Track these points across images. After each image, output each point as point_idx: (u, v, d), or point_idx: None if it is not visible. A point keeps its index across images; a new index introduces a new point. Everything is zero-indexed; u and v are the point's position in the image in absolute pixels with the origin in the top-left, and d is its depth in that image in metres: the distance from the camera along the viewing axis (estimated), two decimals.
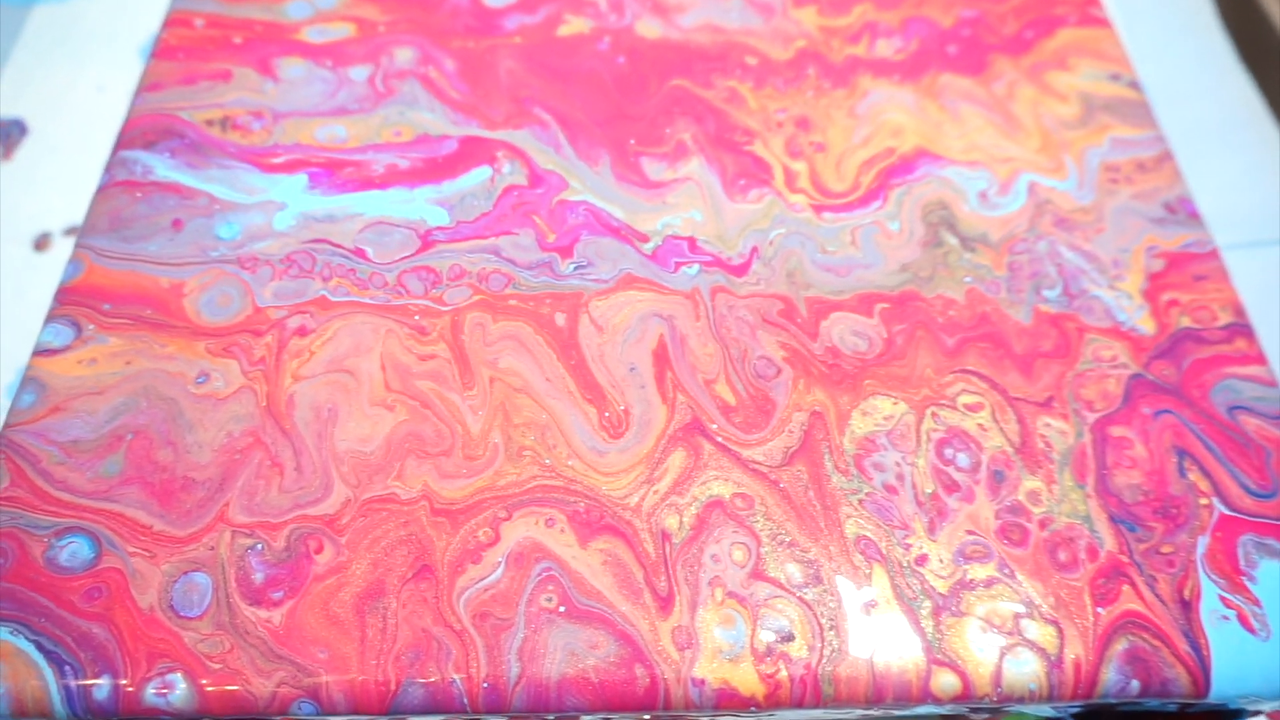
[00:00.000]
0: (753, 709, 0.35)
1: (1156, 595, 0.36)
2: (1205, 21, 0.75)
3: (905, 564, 0.36)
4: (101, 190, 0.45)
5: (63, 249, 0.62)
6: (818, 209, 0.46)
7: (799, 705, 0.35)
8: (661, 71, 0.51)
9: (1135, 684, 0.35)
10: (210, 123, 0.48)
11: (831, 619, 0.35)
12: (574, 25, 0.53)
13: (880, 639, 0.35)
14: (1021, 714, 0.39)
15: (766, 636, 0.35)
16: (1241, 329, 0.43)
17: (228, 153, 0.47)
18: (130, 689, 0.33)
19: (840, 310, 0.43)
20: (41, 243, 0.62)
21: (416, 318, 0.42)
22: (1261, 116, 0.71)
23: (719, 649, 0.35)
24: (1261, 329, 0.47)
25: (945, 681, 0.35)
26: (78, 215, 0.45)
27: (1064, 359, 0.42)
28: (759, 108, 0.50)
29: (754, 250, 0.45)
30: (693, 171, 0.47)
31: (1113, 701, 0.35)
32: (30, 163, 0.66)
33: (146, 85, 0.49)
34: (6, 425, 0.38)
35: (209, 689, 0.33)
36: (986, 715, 0.40)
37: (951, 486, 0.38)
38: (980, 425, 0.40)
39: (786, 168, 0.47)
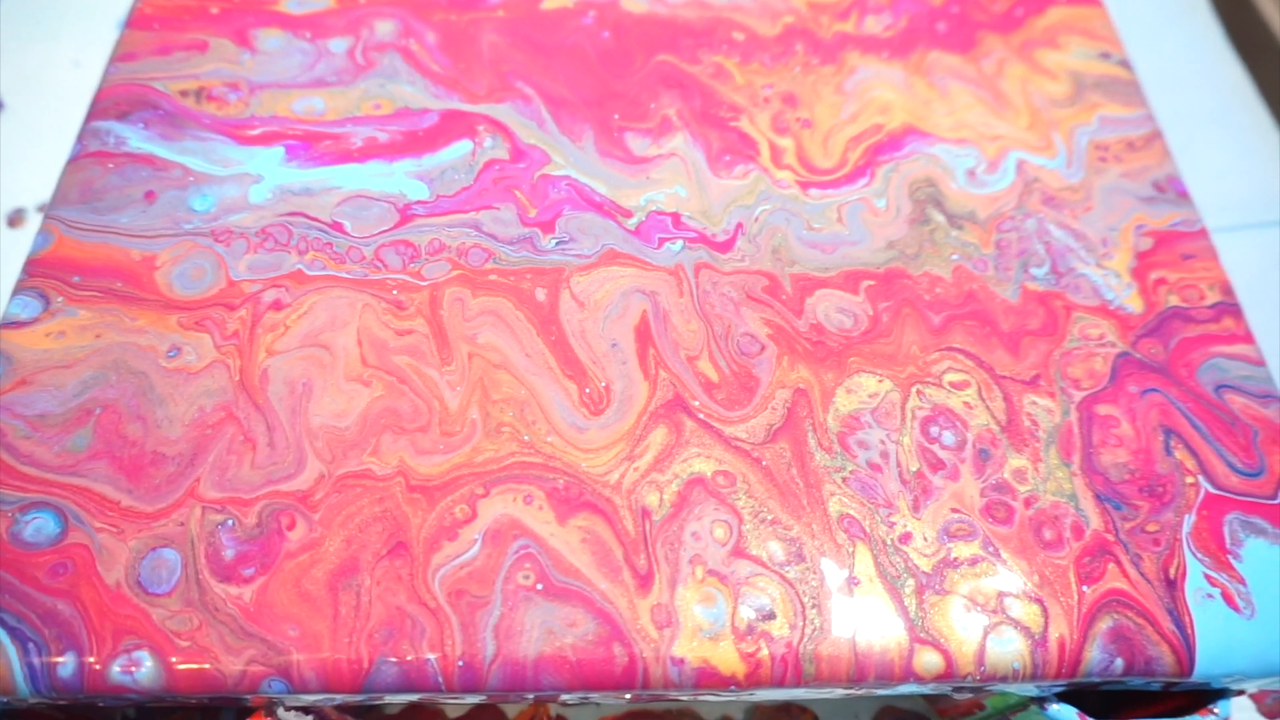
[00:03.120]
0: (733, 688, 0.34)
1: (1141, 574, 0.36)
2: (1197, 6, 0.75)
3: (889, 542, 0.36)
4: (73, 161, 0.44)
5: (37, 225, 0.61)
6: (804, 185, 0.45)
7: (780, 684, 0.34)
8: (647, 46, 0.50)
9: (1119, 662, 0.34)
10: (185, 93, 0.47)
11: (813, 597, 0.35)
12: None
13: (863, 617, 0.34)
14: (1005, 694, 0.38)
15: (747, 615, 0.34)
16: (1229, 308, 0.42)
17: (203, 124, 0.46)
18: (96, 666, 0.32)
19: (826, 287, 0.42)
20: (15, 219, 0.61)
21: (394, 292, 0.41)
22: (1253, 101, 0.70)
23: (699, 627, 0.34)
24: (1253, 311, 0.46)
25: (928, 660, 0.34)
26: (52, 191, 0.44)
27: (1051, 337, 0.41)
28: (745, 83, 0.49)
29: (739, 227, 0.44)
30: (677, 147, 0.46)
31: (1097, 680, 0.35)
32: (5, 139, 0.65)
33: (120, 55, 0.48)
34: None
35: (177, 667, 0.33)
36: (970, 695, 0.40)
37: (936, 464, 0.38)
38: (966, 403, 0.39)
39: (773, 144, 0.47)
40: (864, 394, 0.39)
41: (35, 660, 0.32)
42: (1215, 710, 0.37)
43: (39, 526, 0.35)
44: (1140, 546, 0.36)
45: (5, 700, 0.33)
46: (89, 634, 0.33)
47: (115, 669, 0.32)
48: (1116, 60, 0.51)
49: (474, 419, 0.38)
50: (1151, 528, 0.37)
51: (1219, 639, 0.35)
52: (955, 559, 0.36)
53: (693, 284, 0.42)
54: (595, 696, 0.35)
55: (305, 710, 0.39)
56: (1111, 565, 0.36)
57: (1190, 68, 0.72)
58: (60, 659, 0.32)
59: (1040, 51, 0.51)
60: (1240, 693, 0.38)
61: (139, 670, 0.32)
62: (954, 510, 0.37)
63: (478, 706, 0.48)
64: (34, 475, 0.36)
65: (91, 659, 0.33)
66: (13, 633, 0.33)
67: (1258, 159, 0.68)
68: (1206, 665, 0.34)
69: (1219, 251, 0.45)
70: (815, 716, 0.47)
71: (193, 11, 0.50)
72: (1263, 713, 0.49)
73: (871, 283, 0.42)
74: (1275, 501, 0.37)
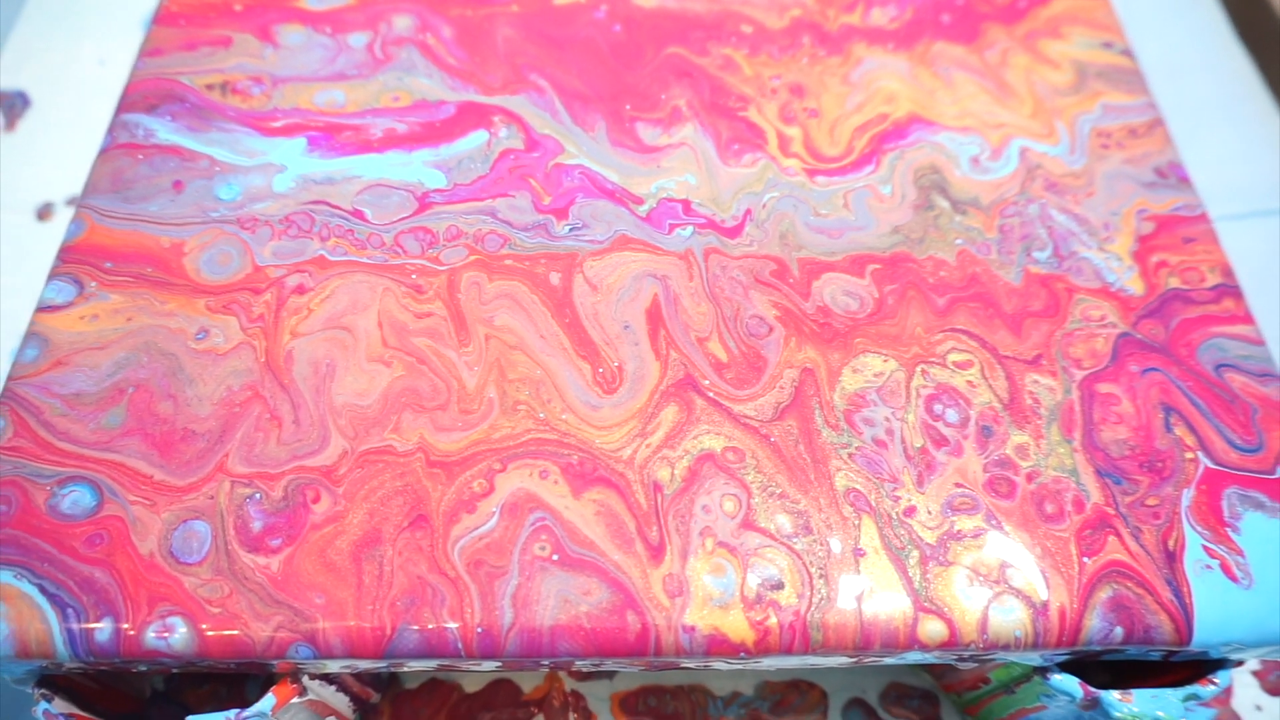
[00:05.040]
0: (742, 655, 0.35)
1: (1141, 546, 0.36)
2: None
3: (894, 515, 0.37)
4: (104, 152, 0.46)
5: (65, 218, 0.62)
6: (811, 173, 0.47)
7: (788, 651, 0.35)
8: (657, 39, 0.52)
9: (1119, 631, 0.35)
10: (211, 87, 0.48)
11: (820, 568, 0.36)
12: None
13: (868, 587, 0.36)
14: (1009, 665, 0.39)
15: (756, 584, 0.35)
16: (1229, 290, 0.43)
17: (228, 116, 0.47)
18: (131, 632, 0.34)
19: (832, 271, 0.43)
20: (44, 212, 0.63)
21: (413, 277, 0.42)
22: (1258, 91, 0.71)
23: (709, 596, 0.35)
24: (1258, 298, 0.47)
25: (932, 629, 0.35)
26: (79, 185, 0.45)
27: (1053, 318, 0.42)
28: (754, 75, 0.50)
29: (747, 213, 0.45)
30: (687, 136, 0.48)
31: (1097, 649, 0.36)
32: (33, 134, 0.66)
33: (148, 50, 0.49)
34: (10, 378, 0.39)
35: (208, 633, 0.34)
36: (974, 666, 0.41)
37: (940, 441, 0.39)
38: (969, 382, 0.40)
39: (780, 133, 0.48)
40: (869, 373, 0.40)
41: (74, 626, 0.34)
42: (1215, 680, 0.38)
43: (76, 499, 0.36)
44: (1140, 520, 0.37)
45: (44, 664, 0.35)
46: (125, 601, 0.34)
47: (150, 634, 0.34)
48: (1119, 49, 0.52)
49: (491, 398, 0.39)
50: (1151, 502, 0.37)
51: (1217, 609, 0.35)
52: (959, 531, 0.37)
53: (703, 268, 0.43)
54: (609, 664, 0.37)
55: (329, 680, 0.40)
56: (1112, 538, 0.37)
57: (1195, 56, 0.72)
58: (98, 625, 0.34)
59: (1043, 41, 0.52)
60: (1240, 663, 0.39)
61: (172, 636, 0.34)
62: (957, 485, 0.38)
63: (493, 682, 0.49)
64: (70, 451, 0.37)
65: (127, 625, 0.34)
66: (52, 599, 0.34)
67: (1263, 147, 0.68)
68: (1205, 634, 0.35)
69: (1225, 239, 0.46)
70: (823, 691, 0.48)
71: (217, 8, 0.51)
72: (1267, 689, 0.49)
73: (877, 266, 0.43)
74: (1274, 476, 0.38)
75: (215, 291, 0.42)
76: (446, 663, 0.36)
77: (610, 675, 0.49)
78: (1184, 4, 0.75)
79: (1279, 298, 0.60)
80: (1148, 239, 0.45)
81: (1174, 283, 0.43)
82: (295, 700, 0.37)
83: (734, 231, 0.44)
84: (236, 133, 0.47)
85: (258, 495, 0.37)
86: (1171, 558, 0.36)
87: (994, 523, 0.37)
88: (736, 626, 0.35)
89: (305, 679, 0.38)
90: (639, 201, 0.45)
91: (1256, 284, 0.51)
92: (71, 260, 0.42)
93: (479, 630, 0.35)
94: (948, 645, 0.35)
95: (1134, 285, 0.43)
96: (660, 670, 0.46)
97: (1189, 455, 0.38)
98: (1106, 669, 0.42)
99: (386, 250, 0.43)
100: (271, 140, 0.46)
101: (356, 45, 0.50)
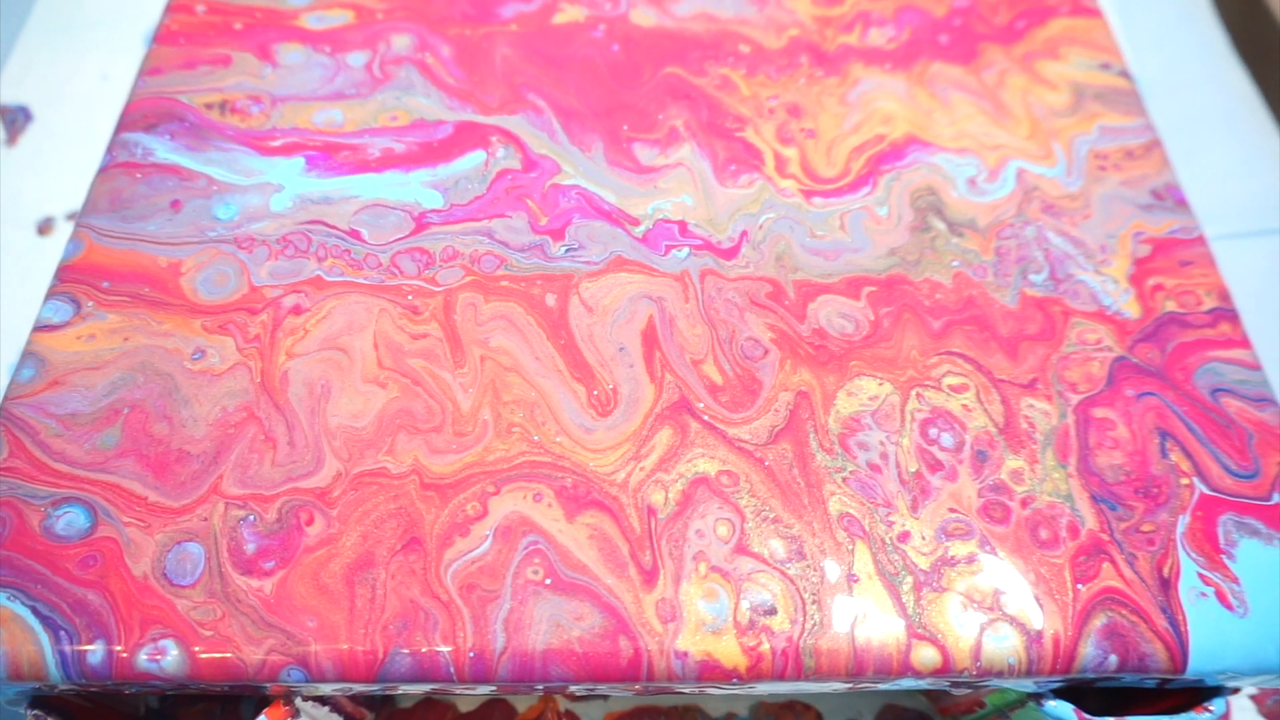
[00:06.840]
0: (735, 680, 0.35)
1: (1136, 573, 0.36)
2: (1202, 14, 0.76)
3: (888, 540, 0.37)
4: (103, 171, 0.46)
5: (66, 233, 0.63)
6: (807, 194, 0.47)
7: (780, 677, 0.35)
8: (655, 59, 0.52)
9: (1113, 659, 0.35)
10: (210, 106, 0.48)
11: (814, 593, 0.36)
12: (569, 13, 0.53)
13: (861, 613, 0.35)
14: (1003, 690, 0.39)
15: (749, 610, 0.35)
16: (1226, 314, 0.43)
17: (226, 136, 0.47)
18: (124, 654, 0.34)
19: (828, 293, 0.43)
20: (44, 227, 0.63)
21: (409, 297, 0.42)
22: (1258, 109, 0.71)
23: (702, 621, 0.35)
24: (1257, 318, 0.47)
25: (925, 655, 0.35)
26: (80, 200, 0.46)
27: (1049, 342, 0.42)
28: (751, 95, 0.50)
29: (744, 234, 0.45)
30: (684, 157, 0.48)
31: (1091, 676, 0.35)
32: (34, 149, 0.67)
33: (148, 69, 0.50)
34: (6, 398, 0.39)
35: (200, 655, 0.34)
36: (968, 691, 0.41)
37: (935, 465, 0.39)
38: (964, 406, 0.40)
39: (777, 154, 0.48)
40: (864, 397, 0.40)
41: (66, 648, 0.34)
42: (1211, 708, 0.37)
43: (70, 520, 0.36)
44: (1135, 546, 0.37)
45: (36, 686, 0.35)
46: (117, 623, 0.34)
47: (142, 657, 0.34)
48: (1116, 71, 0.52)
49: (486, 420, 0.39)
50: (1146, 528, 0.37)
51: (1212, 637, 0.35)
52: (953, 557, 0.37)
53: (698, 290, 0.43)
54: (603, 688, 0.37)
55: (322, 701, 0.40)
56: (1106, 564, 0.36)
57: (1194, 73, 0.72)
58: (90, 647, 0.34)
59: (1041, 62, 0.52)
60: (1235, 691, 0.38)
61: (164, 658, 0.34)
62: (952, 510, 0.38)
63: (488, 702, 0.49)
64: (65, 471, 0.37)
65: (119, 647, 0.34)
66: (45, 621, 0.34)
67: (1263, 165, 0.68)
68: (1200, 662, 0.35)
69: (1225, 259, 0.46)
70: (819, 715, 0.48)
71: (217, 27, 0.52)
72: (1264, 714, 0.49)
73: (873, 289, 0.43)
74: (1270, 503, 0.38)
75: (212, 311, 0.42)
76: (439, 686, 0.36)
77: (604, 696, 0.49)
78: (1183, 20, 0.75)
79: (1278, 318, 0.60)
80: (1144, 262, 0.45)
81: (1170, 306, 0.43)
82: None
83: (730, 253, 0.44)
84: (235, 152, 0.47)
85: (251, 517, 0.37)
86: (1166, 585, 0.36)
87: (988, 548, 0.37)
88: (729, 652, 0.35)
89: (298, 700, 0.37)
90: (635, 222, 0.45)
91: (1254, 304, 0.51)
92: (69, 279, 0.42)
93: (471, 655, 0.34)
94: (941, 672, 0.35)
95: (1130, 309, 0.43)
96: (654, 694, 0.46)
97: (1184, 481, 0.38)
98: (1101, 694, 0.42)
99: (383, 271, 0.43)
100: (269, 160, 0.47)
101: (355, 64, 0.50)
